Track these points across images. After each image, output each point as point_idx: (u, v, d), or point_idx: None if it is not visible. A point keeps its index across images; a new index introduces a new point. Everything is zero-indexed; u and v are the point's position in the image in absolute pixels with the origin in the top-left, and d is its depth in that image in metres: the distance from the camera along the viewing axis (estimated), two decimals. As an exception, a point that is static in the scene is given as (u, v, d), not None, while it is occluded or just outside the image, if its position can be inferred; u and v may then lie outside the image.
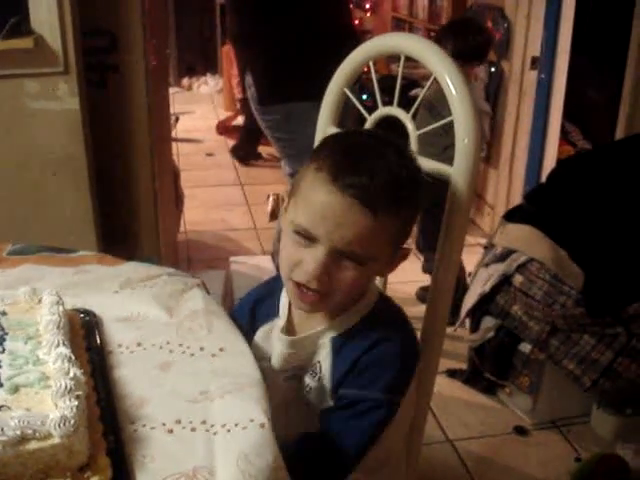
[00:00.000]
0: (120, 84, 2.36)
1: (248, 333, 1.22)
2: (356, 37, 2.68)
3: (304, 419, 1.16)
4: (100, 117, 2.32)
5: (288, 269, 1.07)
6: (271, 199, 4.18)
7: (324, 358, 1.13)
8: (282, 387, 1.17)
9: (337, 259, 1.02)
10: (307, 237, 1.03)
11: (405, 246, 1.12)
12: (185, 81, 8.00)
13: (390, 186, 1.00)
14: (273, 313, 1.21)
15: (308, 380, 1.15)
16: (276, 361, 1.17)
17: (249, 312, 1.26)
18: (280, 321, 1.19)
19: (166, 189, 2.91)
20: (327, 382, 1.13)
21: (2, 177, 2.24)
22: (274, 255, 2.83)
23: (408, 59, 1.28)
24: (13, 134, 2.20)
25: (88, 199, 2.28)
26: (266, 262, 2.89)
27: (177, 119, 5.77)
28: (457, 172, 1.17)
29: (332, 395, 1.13)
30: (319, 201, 1.01)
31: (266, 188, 4.28)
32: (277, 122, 2.62)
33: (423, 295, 3.10)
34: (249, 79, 2.70)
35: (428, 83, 1.24)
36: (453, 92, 1.16)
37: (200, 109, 6.98)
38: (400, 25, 5.73)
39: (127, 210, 2.49)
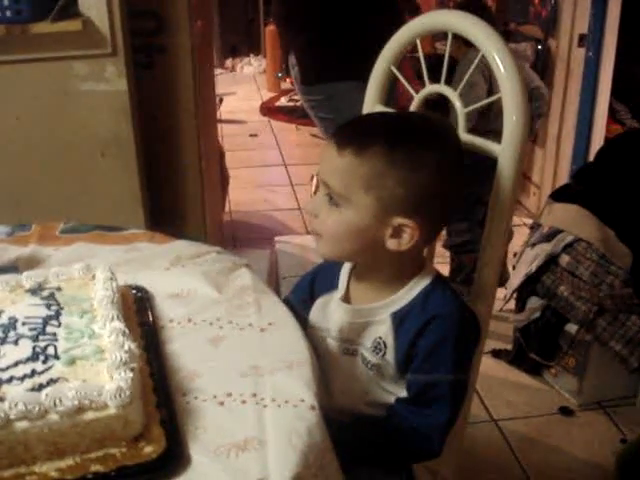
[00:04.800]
0: (167, 65, 2.37)
1: (306, 305, 1.25)
2: (400, 17, 2.66)
3: (362, 394, 1.18)
4: (147, 98, 2.34)
5: None
6: (315, 179, 4.20)
7: (386, 335, 1.13)
8: (340, 360, 1.18)
9: (326, 201, 1.11)
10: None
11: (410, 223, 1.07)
12: (228, 62, 8.02)
13: (364, 130, 1.11)
14: (332, 285, 1.22)
15: (370, 357, 1.15)
16: (334, 330, 1.19)
17: (309, 285, 1.27)
18: (338, 292, 1.21)
19: (212, 169, 2.94)
20: (391, 359, 1.13)
21: (52, 158, 2.26)
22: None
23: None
24: (62, 115, 2.22)
25: (136, 179, 2.30)
26: (310, 242, 2.89)
27: (221, 100, 5.78)
28: (505, 150, 1.16)
29: (398, 373, 1.14)
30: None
31: (310, 168, 4.29)
32: (320, 102, 2.62)
33: None
34: (292, 59, 2.71)
35: (475, 60, 1.23)
36: (502, 69, 1.15)
37: (243, 90, 6.99)
38: (444, 3, 5.65)
39: (174, 190, 2.50)
